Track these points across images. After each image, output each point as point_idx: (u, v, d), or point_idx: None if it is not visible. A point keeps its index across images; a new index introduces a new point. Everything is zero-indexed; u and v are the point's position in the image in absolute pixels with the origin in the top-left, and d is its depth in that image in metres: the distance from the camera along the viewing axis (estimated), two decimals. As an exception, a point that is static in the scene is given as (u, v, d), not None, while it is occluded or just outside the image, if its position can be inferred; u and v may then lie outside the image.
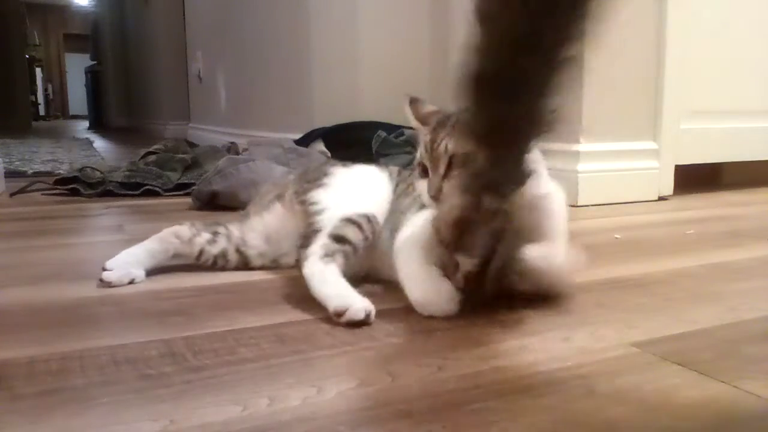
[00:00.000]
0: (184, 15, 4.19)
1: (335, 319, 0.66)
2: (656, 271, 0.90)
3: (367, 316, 0.66)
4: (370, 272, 0.84)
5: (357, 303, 0.66)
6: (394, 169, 0.92)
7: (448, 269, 0.70)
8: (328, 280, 0.70)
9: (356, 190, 0.85)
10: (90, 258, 0.84)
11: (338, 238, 0.76)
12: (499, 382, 0.52)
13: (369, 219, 0.79)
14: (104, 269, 0.81)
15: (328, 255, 0.73)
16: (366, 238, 0.78)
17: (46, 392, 0.50)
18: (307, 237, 0.77)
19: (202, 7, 3.67)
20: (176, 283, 0.83)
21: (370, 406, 0.48)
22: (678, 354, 0.58)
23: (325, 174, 0.88)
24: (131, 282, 0.81)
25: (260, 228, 0.89)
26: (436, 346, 0.61)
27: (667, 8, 1.58)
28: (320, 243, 0.75)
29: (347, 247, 0.75)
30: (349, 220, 0.77)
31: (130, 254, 0.84)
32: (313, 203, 0.82)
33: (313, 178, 0.88)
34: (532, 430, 0.44)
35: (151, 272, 0.85)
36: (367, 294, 0.69)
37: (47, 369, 0.55)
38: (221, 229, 0.88)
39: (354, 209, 0.79)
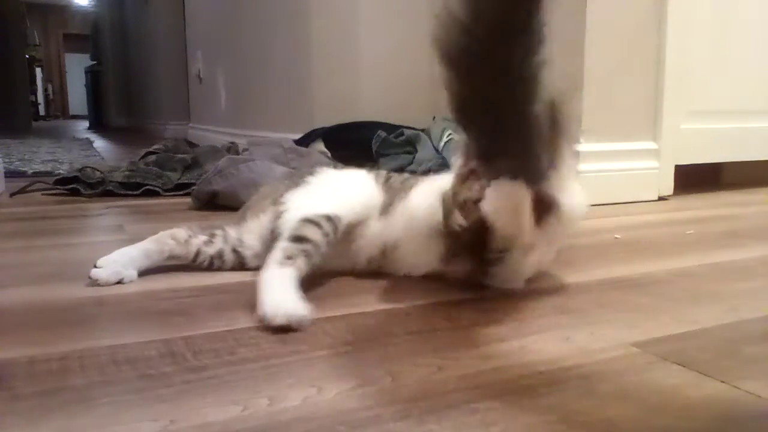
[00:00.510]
0: (184, 15, 4.19)
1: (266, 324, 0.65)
2: (656, 271, 0.90)
3: (289, 322, 0.64)
4: (381, 269, 0.86)
5: (281, 310, 0.65)
6: (383, 172, 0.94)
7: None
8: (271, 286, 0.69)
9: (327, 192, 0.86)
10: (90, 258, 0.84)
11: (298, 239, 0.76)
12: (499, 382, 0.52)
13: (329, 218, 0.79)
14: (95, 266, 0.81)
15: (289, 258, 0.73)
16: (326, 235, 0.78)
17: (46, 392, 0.50)
18: (271, 244, 0.78)
19: (202, 7, 3.67)
20: (176, 283, 0.83)
21: (370, 406, 0.48)
22: (678, 354, 0.58)
23: (309, 174, 0.90)
24: (119, 282, 0.81)
25: (257, 230, 0.89)
26: (436, 346, 0.61)
27: (667, 8, 1.58)
28: (281, 247, 0.75)
29: (308, 246, 0.75)
30: (308, 220, 0.78)
31: (123, 254, 0.84)
32: (281, 203, 0.84)
33: (297, 179, 0.89)
34: (532, 430, 0.44)
35: (150, 272, 0.85)
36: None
37: (47, 369, 0.55)
38: (218, 231, 0.89)
39: (314, 210, 0.80)
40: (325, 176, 0.91)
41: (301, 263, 0.73)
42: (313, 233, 0.77)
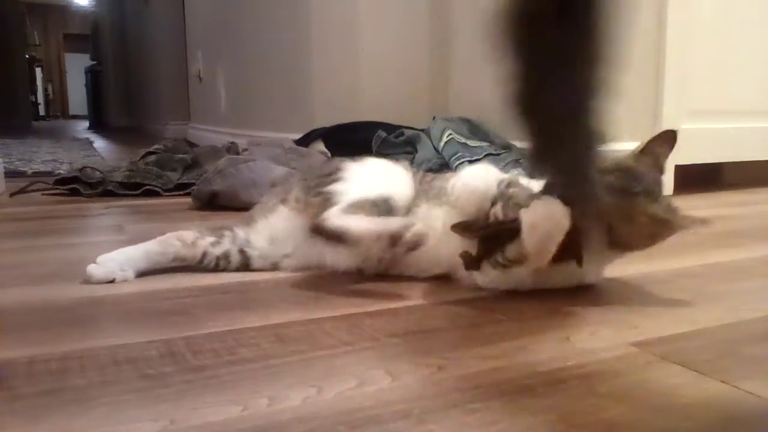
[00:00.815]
0: (184, 15, 4.19)
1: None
2: (656, 271, 0.90)
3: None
4: (388, 270, 0.85)
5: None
6: (420, 174, 0.93)
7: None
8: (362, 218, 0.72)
9: (375, 176, 0.86)
10: (90, 258, 0.84)
11: (355, 207, 0.76)
12: (499, 382, 0.52)
13: (387, 200, 0.79)
14: (95, 262, 0.82)
15: (345, 211, 0.74)
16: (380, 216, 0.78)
17: (46, 392, 0.50)
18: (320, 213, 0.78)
19: (202, 7, 3.67)
20: (176, 283, 0.83)
21: (370, 406, 0.48)
22: (678, 354, 0.58)
23: (339, 169, 0.88)
24: (111, 281, 0.81)
25: (266, 230, 0.89)
26: (436, 346, 0.61)
27: (667, 8, 1.58)
28: (337, 208, 0.76)
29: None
30: (367, 200, 0.78)
31: (122, 253, 0.84)
32: (333, 193, 0.83)
33: (327, 174, 0.88)
34: (532, 430, 0.44)
35: (151, 272, 0.85)
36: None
37: (47, 369, 0.55)
38: (227, 232, 0.88)
39: (373, 191, 0.80)
40: (362, 166, 0.89)
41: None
42: (369, 208, 0.77)
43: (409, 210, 0.83)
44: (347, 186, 0.83)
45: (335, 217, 0.74)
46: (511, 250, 0.73)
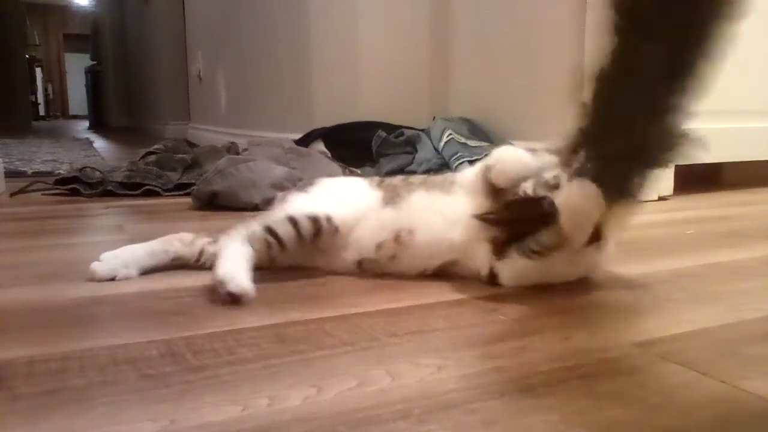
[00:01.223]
0: (184, 15, 4.19)
1: (217, 287, 0.73)
2: (656, 271, 0.90)
3: (241, 295, 0.72)
4: (387, 267, 0.85)
5: (236, 280, 0.72)
6: (376, 178, 0.96)
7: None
8: (231, 258, 0.76)
9: (322, 195, 0.90)
10: (90, 258, 0.84)
11: (268, 229, 0.81)
12: (499, 382, 0.52)
13: (315, 219, 0.82)
14: (98, 260, 0.83)
15: (250, 239, 0.79)
16: (300, 236, 0.81)
17: (46, 392, 0.50)
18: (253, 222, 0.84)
19: (202, 7, 3.68)
20: (176, 283, 0.83)
21: (370, 406, 0.48)
22: (678, 354, 0.58)
23: (311, 184, 0.93)
24: (113, 279, 0.82)
25: None
26: (436, 346, 0.61)
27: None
28: (251, 228, 0.81)
29: (272, 239, 0.80)
30: (291, 219, 0.82)
31: (127, 251, 0.86)
32: (289, 200, 0.89)
33: (303, 187, 0.94)
34: (532, 430, 0.44)
35: (151, 272, 0.85)
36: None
37: (47, 369, 0.55)
38: (224, 234, 0.89)
39: (304, 209, 0.83)
40: (327, 182, 0.95)
41: (259, 248, 0.78)
42: (284, 231, 0.81)
43: (356, 223, 0.85)
44: (295, 200, 0.88)
45: (226, 241, 0.81)
46: (547, 235, 0.73)
